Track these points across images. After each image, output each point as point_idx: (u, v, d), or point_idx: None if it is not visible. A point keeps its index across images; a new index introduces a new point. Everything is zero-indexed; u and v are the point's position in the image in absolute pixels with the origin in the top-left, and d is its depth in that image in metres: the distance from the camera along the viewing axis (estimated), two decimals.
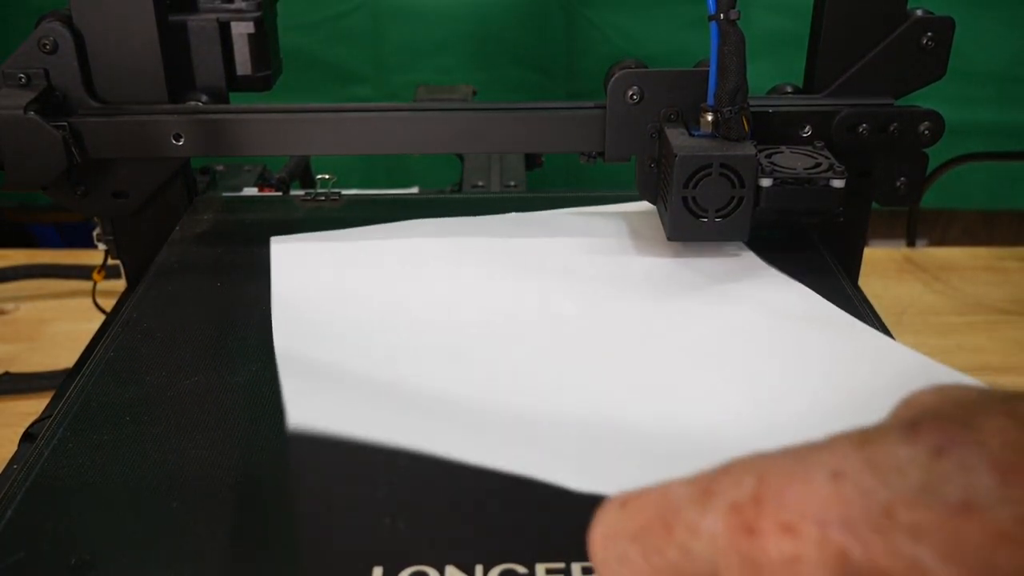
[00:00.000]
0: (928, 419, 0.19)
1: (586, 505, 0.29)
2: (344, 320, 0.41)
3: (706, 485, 0.20)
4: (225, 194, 0.62)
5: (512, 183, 0.67)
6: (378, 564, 0.27)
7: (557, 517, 0.29)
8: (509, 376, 0.37)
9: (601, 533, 0.22)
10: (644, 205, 0.50)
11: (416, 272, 0.46)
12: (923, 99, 0.48)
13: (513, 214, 0.53)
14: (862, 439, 0.19)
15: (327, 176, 0.58)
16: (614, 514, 0.22)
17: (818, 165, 0.44)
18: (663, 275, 0.45)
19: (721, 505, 0.20)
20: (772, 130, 0.48)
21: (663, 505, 0.21)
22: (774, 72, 0.58)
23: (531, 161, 0.72)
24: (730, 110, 0.43)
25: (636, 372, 0.38)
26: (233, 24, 0.52)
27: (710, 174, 0.43)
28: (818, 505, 0.18)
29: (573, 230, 0.50)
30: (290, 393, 0.34)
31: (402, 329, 0.41)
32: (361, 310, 0.42)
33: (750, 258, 0.47)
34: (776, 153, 0.45)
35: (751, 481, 0.19)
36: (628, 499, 0.22)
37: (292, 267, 0.46)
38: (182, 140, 0.49)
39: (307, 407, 0.33)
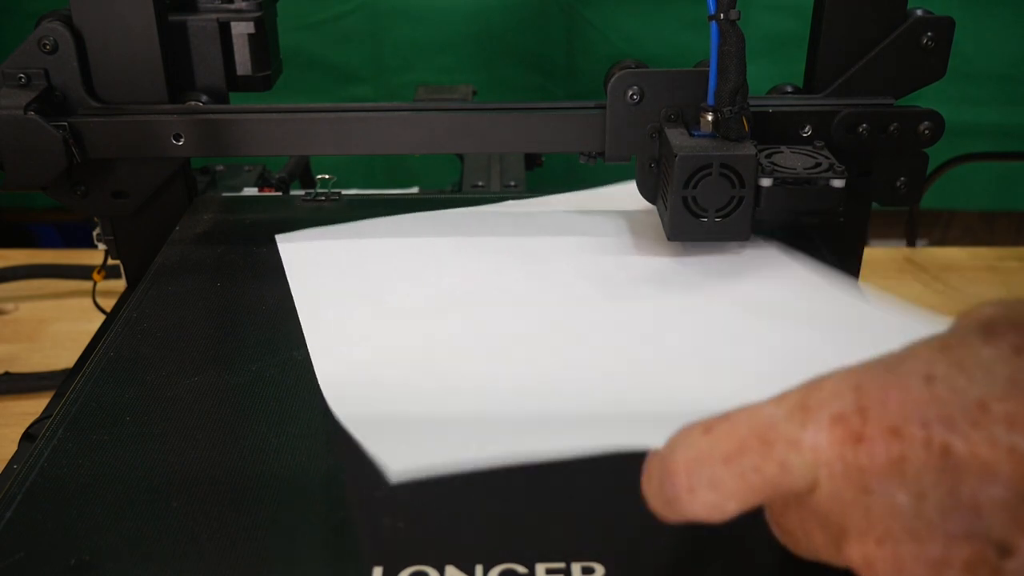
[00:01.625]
0: (1003, 323, 0.20)
1: (586, 505, 0.30)
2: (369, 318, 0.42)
3: (800, 401, 0.21)
4: (225, 194, 0.62)
5: (512, 183, 0.68)
6: (378, 564, 0.27)
7: (557, 517, 0.29)
8: (528, 375, 0.37)
9: (686, 459, 0.22)
10: (632, 189, 0.50)
11: (423, 268, 0.46)
12: (923, 99, 0.48)
13: (513, 204, 0.52)
14: (942, 344, 0.20)
15: (327, 176, 0.58)
16: (699, 439, 0.23)
17: (818, 165, 0.44)
18: (663, 275, 0.45)
19: (823, 418, 0.21)
20: (772, 130, 0.48)
21: (757, 424, 0.22)
22: (774, 72, 0.58)
23: (531, 161, 0.72)
24: (730, 110, 0.43)
25: (652, 364, 0.38)
26: (233, 24, 0.52)
27: (710, 174, 0.43)
28: (918, 408, 0.20)
29: (574, 230, 0.50)
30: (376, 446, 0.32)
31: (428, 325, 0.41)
32: (382, 309, 0.42)
33: (753, 250, 0.47)
34: (776, 153, 0.45)
35: (850, 393, 0.21)
36: (711, 424, 0.23)
37: (305, 267, 0.46)
38: (182, 140, 0.49)
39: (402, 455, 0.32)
